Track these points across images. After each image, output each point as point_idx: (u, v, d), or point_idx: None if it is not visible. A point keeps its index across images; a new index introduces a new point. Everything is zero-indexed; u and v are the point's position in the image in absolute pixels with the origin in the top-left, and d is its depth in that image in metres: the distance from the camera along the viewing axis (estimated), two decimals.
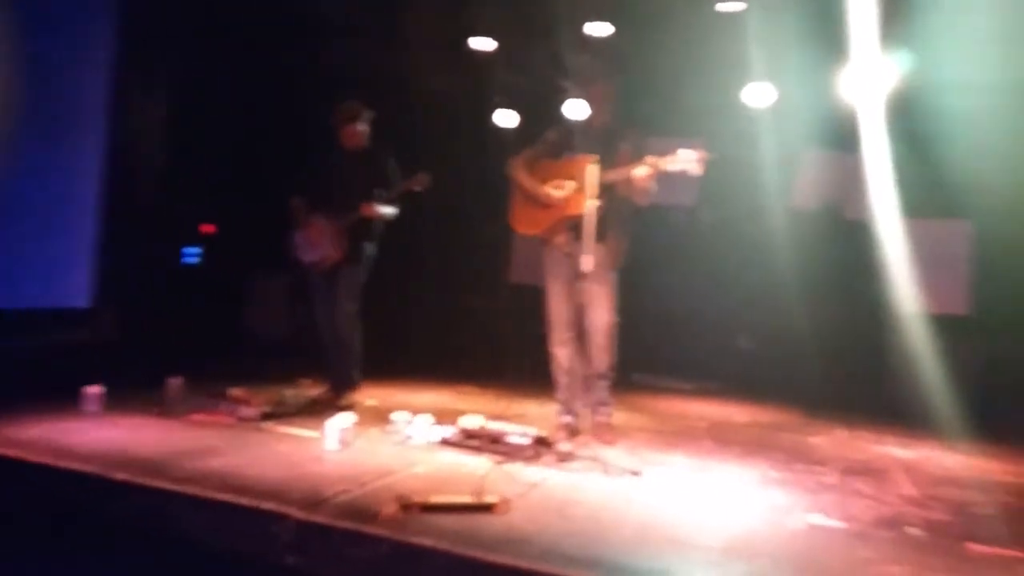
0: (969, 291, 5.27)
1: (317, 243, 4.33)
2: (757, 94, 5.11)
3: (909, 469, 3.70)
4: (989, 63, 4.40)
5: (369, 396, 4.58)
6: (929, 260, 5.17)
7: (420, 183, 4.28)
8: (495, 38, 5.08)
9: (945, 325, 5.11)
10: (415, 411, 3.68)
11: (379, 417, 3.91)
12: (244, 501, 2.39)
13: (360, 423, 3.72)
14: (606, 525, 2.51)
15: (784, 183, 5.69)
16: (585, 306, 3.82)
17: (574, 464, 3.28)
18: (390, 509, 2.40)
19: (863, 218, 5.36)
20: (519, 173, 3.98)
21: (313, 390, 4.61)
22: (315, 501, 2.47)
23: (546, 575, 2.02)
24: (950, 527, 2.77)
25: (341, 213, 4.26)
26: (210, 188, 6.43)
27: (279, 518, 2.32)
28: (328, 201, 4.33)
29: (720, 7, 4.55)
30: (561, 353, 3.90)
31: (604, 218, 3.71)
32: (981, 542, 2.59)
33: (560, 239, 3.81)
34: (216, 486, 2.50)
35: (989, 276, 5.15)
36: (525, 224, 4.00)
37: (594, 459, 3.36)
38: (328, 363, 4.46)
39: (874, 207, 5.19)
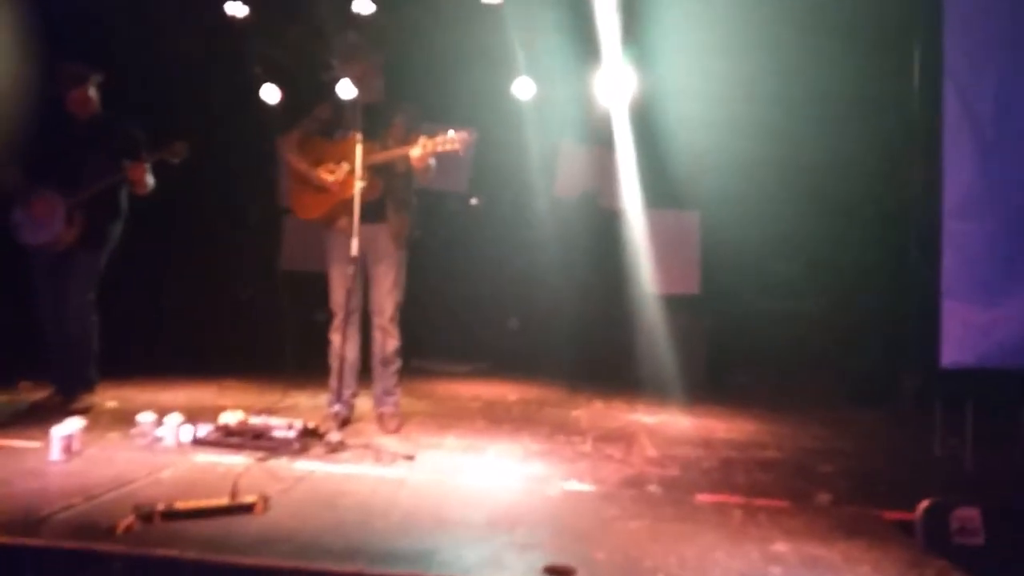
0: (699, 272, 6.02)
1: (46, 222, 3.75)
2: (522, 87, 5.35)
3: (652, 433, 4.13)
4: (707, 74, 5.07)
5: (110, 397, 4.08)
6: (667, 246, 5.82)
7: (176, 153, 3.88)
8: (249, 5, 4.75)
9: (681, 303, 5.80)
10: (166, 410, 3.34)
11: (122, 420, 3.53)
12: None
13: (97, 428, 3.33)
14: (374, 513, 2.48)
15: (547, 173, 6.04)
16: (370, 289, 3.77)
17: (345, 455, 3.20)
18: (126, 521, 2.15)
19: (614, 207, 5.88)
20: (291, 155, 3.81)
21: (35, 394, 3.99)
22: (28, 521, 2.13)
23: (304, 572, 1.93)
24: (681, 481, 3.14)
25: (74, 187, 3.73)
26: None
27: None
28: (57, 175, 3.77)
29: None
30: (336, 339, 3.79)
31: (383, 197, 3.69)
32: (706, 492, 2.97)
33: (342, 222, 3.69)
34: None
35: (714, 259, 5.93)
36: (304, 208, 3.85)
37: (366, 447, 3.31)
38: (55, 361, 3.89)
39: (623, 197, 5.72)
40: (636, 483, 3.06)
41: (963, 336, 2.82)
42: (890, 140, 4.85)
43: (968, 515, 2.34)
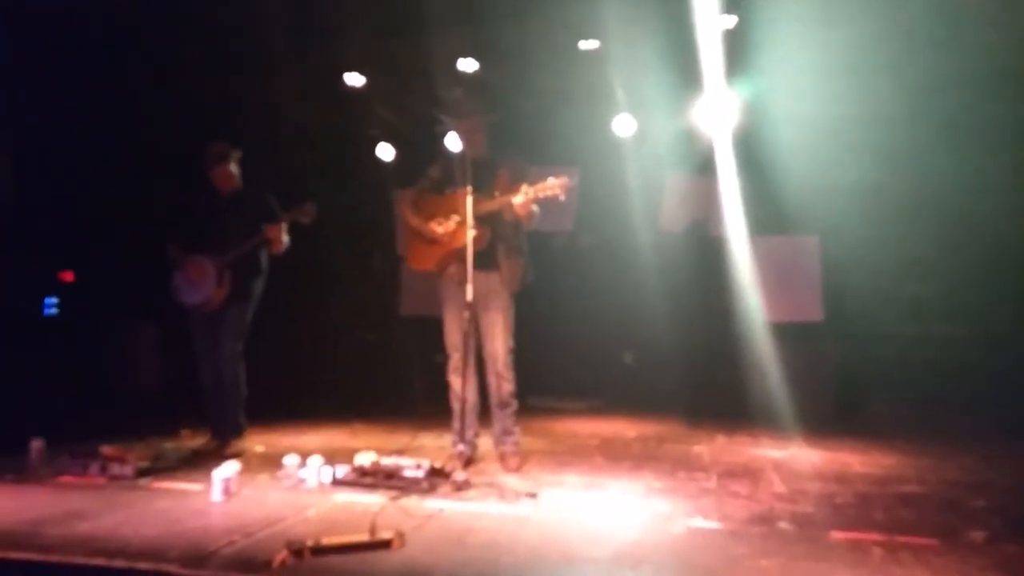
0: (820, 299, 5.77)
1: (199, 283, 4.19)
2: (623, 124, 5.43)
3: (780, 468, 3.98)
4: (816, 98, 4.96)
5: (257, 442, 4.43)
6: (785, 272, 5.63)
7: (307, 214, 4.25)
8: (366, 74, 5.16)
9: (804, 331, 5.57)
10: (307, 453, 3.59)
11: (269, 463, 3.81)
12: (118, 563, 2.26)
13: (248, 470, 3.62)
14: (501, 550, 2.56)
15: (652, 205, 6.04)
16: (482, 335, 3.92)
17: (470, 493, 3.31)
18: (281, 556, 2.35)
19: (724, 236, 5.77)
20: (406, 211, 4.07)
21: (195, 441, 4.41)
22: (198, 556, 2.38)
23: None
24: (814, 518, 3.01)
25: (221, 252, 4.16)
26: (68, 236, 6.04)
27: None
28: (206, 242, 4.22)
29: (582, 45, 4.82)
30: (456, 382, 3.96)
31: (492, 245, 3.85)
32: (842, 529, 2.84)
33: (452, 270, 3.90)
34: (85, 551, 2.35)
35: (838, 285, 5.68)
36: (417, 260, 4.09)
37: (490, 486, 3.41)
38: (211, 410, 4.29)
39: (734, 225, 5.62)
40: (765, 520, 2.97)
41: None
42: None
43: None
